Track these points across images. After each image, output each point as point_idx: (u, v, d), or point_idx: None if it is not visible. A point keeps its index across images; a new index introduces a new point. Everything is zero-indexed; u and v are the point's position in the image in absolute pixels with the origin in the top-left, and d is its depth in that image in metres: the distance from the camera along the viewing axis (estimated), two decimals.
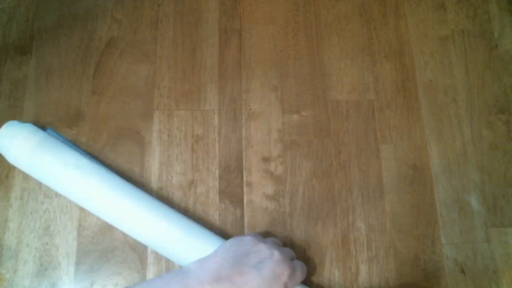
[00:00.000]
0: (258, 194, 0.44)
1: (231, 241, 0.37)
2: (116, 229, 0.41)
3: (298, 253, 0.42)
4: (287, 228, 0.43)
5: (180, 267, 0.39)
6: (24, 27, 0.49)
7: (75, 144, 0.44)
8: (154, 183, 0.44)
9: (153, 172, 0.44)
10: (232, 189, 0.44)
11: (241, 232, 0.43)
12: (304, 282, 0.39)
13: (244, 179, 0.45)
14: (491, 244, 0.43)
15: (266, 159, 0.45)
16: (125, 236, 0.42)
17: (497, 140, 0.46)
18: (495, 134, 0.47)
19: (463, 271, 0.42)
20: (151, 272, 0.41)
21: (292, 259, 0.38)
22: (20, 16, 0.50)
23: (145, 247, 0.42)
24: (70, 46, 0.48)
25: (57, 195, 0.43)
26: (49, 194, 0.43)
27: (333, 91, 0.48)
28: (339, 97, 0.48)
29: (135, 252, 0.42)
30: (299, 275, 0.37)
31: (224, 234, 0.42)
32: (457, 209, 0.44)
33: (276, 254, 0.35)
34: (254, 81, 0.48)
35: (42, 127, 0.45)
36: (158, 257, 0.42)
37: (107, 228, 0.42)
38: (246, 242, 0.36)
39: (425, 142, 0.46)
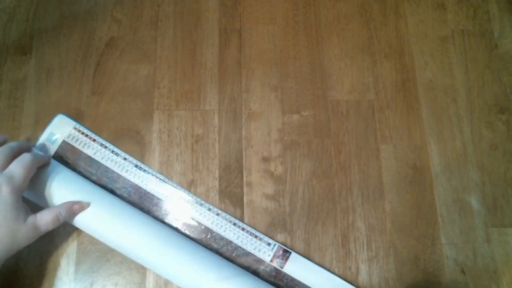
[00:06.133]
0: (258, 194, 0.44)
1: None
2: None
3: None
4: (287, 228, 0.43)
5: None
6: (24, 27, 0.49)
7: (86, 127, 0.45)
8: None
9: None
10: (232, 189, 0.44)
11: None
12: None
13: (244, 179, 0.45)
14: (491, 244, 0.43)
15: (266, 159, 0.45)
16: None
17: (497, 140, 0.46)
18: (495, 134, 0.47)
19: (463, 271, 0.42)
20: (150, 272, 0.41)
21: (13, 156, 0.37)
22: (20, 16, 0.50)
23: None
24: (70, 46, 0.48)
25: None
26: None
27: (333, 91, 0.48)
28: (339, 97, 0.48)
29: None
30: (19, 166, 0.36)
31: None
32: (457, 209, 0.44)
33: None
34: (254, 81, 0.48)
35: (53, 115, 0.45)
36: None
37: None
38: None
39: (425, 142, 0.46)
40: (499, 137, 0.47)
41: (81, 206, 0.38)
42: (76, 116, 0.46)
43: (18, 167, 0.36)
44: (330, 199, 0.44)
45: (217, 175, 0.45)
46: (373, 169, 0.45)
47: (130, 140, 0.45)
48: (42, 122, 0.46)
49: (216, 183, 0.44)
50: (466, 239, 0.43)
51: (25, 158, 0.37)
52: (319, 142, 0.46)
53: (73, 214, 0.38)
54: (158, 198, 0.42)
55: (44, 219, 0.37)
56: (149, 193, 0.43)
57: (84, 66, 0.48)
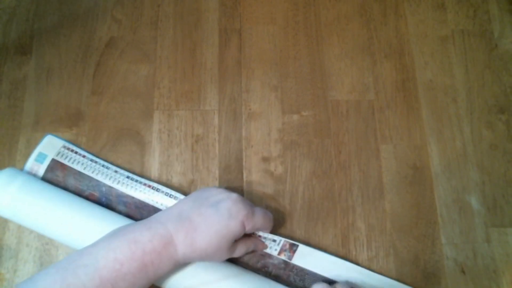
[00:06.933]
0: (258, 194, 0.44)
1: (194, 191, 0.39)
2: None
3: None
4: (287, 228, 0.43)
5: None
6: (24, 27, 0.49)
7: (76, 145, 0.44)
8: None
9: (153, 172, 0.44)
10: (232, 189, 0.44)
11: None
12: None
13: (244, 179, 0.45)
14: (491, 244, 0.43)
15: (266, 159, 0.45)
16: None
17: (497, 140, 0.46)
18: (495, 134, 0.47)
19: (463, 271, 0.42)
20: None
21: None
22: (20, 16, 0.50)
23: None
24: (70, 46, 0.49)
25: None
26: None
27: (333, 91, 0.48)
28: (339, 97, 0.48)
29: None
30: (260, 219, 0.38)
31: None
32: (457, 209, 0.44)
33: (234, 195, 0.37)
34: (254, 81, 0.48)
35: (42, 133, 0.45)
36: None
37: None
38: (209, 189, 0.38)
39: (425, 142, 0.46)
40: (499, 137, 0.47)
41: (263, 246, 0.41)
42: (76, 116, 0.46)
43: (262, 213, 0.38)
44: (330, 199, 0.44)
45: (217, 175, 0.45)
46: (373, 169, 0.45)
47: (130, 140, 0.45)
48: (42, 122, 0.46)
49: (216, 183, 0.44)
50: (466, 239, 0.43)
51: (267, 214, 0.39)
52: (319, 142, 0.46)
53: (257, 249, 0.40)
54: (155, 207, 0.42)
55: (240, 247, 0.38)
56: (144, 202, 0.42)
57: (84, 66, 0.48)
